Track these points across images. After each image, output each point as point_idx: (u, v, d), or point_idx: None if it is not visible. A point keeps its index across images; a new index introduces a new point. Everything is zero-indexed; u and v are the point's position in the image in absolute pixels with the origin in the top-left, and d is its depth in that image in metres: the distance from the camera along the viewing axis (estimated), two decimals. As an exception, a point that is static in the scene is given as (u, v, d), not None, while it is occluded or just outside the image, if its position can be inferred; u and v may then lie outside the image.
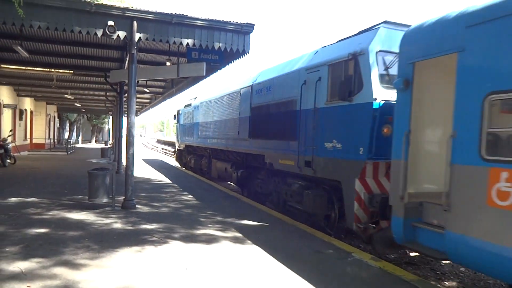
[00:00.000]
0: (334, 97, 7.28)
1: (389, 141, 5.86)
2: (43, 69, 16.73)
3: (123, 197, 8.94)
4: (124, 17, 8.48)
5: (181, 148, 22.19)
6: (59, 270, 4.81)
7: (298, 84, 8.36)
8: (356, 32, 7.58)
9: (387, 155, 6.02)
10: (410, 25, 5.82)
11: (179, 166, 22.23)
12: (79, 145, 47.56)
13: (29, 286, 4.31)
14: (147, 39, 8.76)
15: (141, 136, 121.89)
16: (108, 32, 8.26)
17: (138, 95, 25.16)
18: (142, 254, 5.60)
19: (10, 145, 17.65)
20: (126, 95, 19.89)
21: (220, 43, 9.26)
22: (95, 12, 8.26)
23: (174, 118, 24.84)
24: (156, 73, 11.40)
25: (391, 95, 6.26)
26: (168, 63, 11.92)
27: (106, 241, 6.13)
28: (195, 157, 18.63)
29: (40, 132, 32.58)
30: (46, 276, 4.63)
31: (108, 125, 55.06)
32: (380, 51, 6.67)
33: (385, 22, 6.96)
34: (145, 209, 8.85)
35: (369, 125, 6.39)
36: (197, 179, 15.46)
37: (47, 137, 34.04)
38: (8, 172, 15.03)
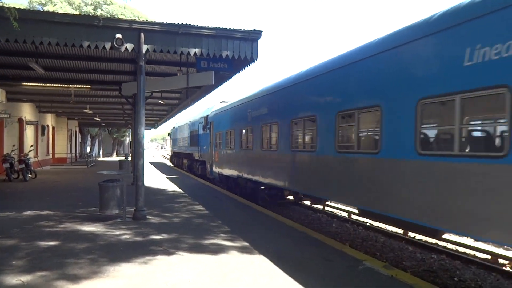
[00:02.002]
0: (204, 129, 20.39)
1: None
2: (61, 85, 17.10)
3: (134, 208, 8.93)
4: (131, 30, 8.56)
5: (171, 154, 39.70)
6: (60, 283, 4.77)
7: (200, 123, 21.85)
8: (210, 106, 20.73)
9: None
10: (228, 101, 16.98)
11: (172, 164, 36.28)
12: (100, 158, 48.45)
13: (29, 299, 4.28)
14: (154, 50, 8.81)
15: (162, 148, 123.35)
16: (116, 45, 8.34)
17: (155, 107, 25.49)
18: (147, 265, 5.52)
19: (31, 160, 18.04)
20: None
21: (228, 51, 9.23)
22: (103, 25, 8.37)
23: (168, 135, 44.62)
24: (166, 84, 11.46)
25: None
26: (179, 74, 11.95)
27: (113, 253, 6.08)
28: (176, 158, 34.43)
29: (61, 147, 33.35)
30: (47, 288, 4.60)
31: (128, 138, 56.00)
32: (213, 114, 18.29)
33: (222, 102, 17.68)
34: (156, 219, 8.81)
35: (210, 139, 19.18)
36: (210, 188, 15.40)
37: (68, 151, 34.79)
38: (28, 186, 15.34)
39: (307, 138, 9.18)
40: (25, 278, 4.93)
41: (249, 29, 9.23)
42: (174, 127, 34.24)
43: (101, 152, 52.47)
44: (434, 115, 5.83)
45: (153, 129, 44.88)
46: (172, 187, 15.83)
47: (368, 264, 5.73)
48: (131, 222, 8.48)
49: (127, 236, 7.18)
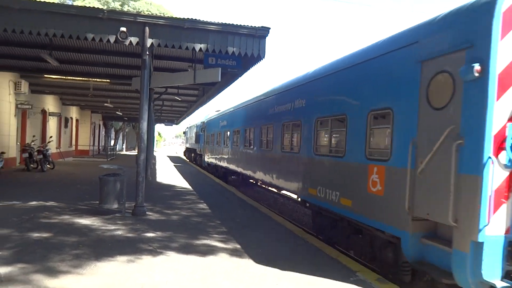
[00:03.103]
0: (202, 131, 26.52)
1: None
2: (80, 78, 17.41)
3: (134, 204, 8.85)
4: (136, 23, 8.46)
5: (185, 149, 45.87)
6: (37, 277, 4.67)
7: (200, 126, 27.94)
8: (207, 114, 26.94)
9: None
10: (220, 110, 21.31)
11: (185, 158, 42.65)
12: (123, 152, 49.30)
13: (-2, 293, 4.20)
14: (159, 44, 8.68)
15: (182, 143, 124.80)
16: (120, 38, 8.27)
17: (174, 104, 25.61)
18: (129, 264, 5.37)
19: (50, 151, 18.38)
20: (156, 102, 20.26)
21: (234, 48, 9.00)
22: (107, 18, 8.31)
23: (184, 134, 54.88)
24: (174, 80, 11.34)
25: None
26: (189, 70, 11.83)
27: (100, 249, 5.97)
28: (188, 152, 40.80)
29: (84, 139, 34.08)
30: (22, 282, 4.51)
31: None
32: (206, 120, 24.81)
33: (216, 111, 22.48)
34: (155, 216, 8.70)
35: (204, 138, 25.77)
36: (221, 187, 15.24)
37: (91, 144, 35.50)
38: (43, 176, 15.62)
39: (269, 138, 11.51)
40: (4, 270, 4.86)
41: (257, 26, 8.97)
42: (187, 127, 42.03)
43: (124, 146, 53.34)
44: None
45: (174, 125, 45.36)
46: (181, 182, 15.77)
47: (361, 276, 5.38)
48: (129, 217, 8.40)
49: (120, 232, 7.08)
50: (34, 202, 9.62)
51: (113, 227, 7.44)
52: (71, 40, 10.84)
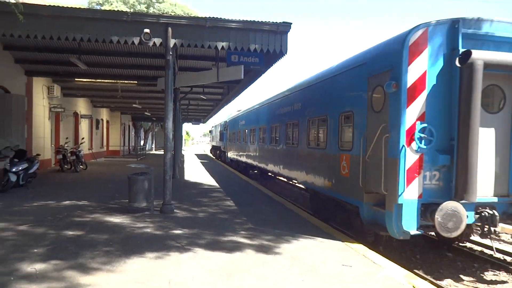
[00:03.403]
0: (225, 130, 29.52)
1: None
2: (109, 80, 17.87)
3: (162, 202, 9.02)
4: (159, 24, 8.59)
5: (211, 147, 49.02)
6: (70, 273, 4.85)
7: (223, 125, 30.84)
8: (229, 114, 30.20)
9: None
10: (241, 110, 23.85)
11: (211, 155, 45.47)
12: (153, 151, 50.29)
13: (34, 289, 4.38)
14: (182, 44, 8.79)
15: (210, 142, 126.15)
16: (144, 40, 8.41)
17: (200, 102, 25.88)
18: (156, 261, 5.49)
19: (82, 152, 19.00)
20: (182, 101, 20.53)
21: (256, 45, 9.00)
22: (131, 20, 8.48)
23: (209, 133, 60.02)
24: (197, 79, 11.46)
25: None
26: (213, 69, 11.92)
27: (129, 246, 6.13)
28: (214, 150, 43.62)
29: (115, 140, 35.00)
30: (55, 278, 4.68)
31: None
32: (228, 119, 27.80)
33: (237, 110, 24.55)
34: (183, 213, 8.84)
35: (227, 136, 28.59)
36: (246, 183, 15.29)
37: (121, 144, 36.41)
38: (77, 177, 16.17)
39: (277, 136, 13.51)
40: (39, 266, 5.07)
41: (278, 22, 8.92)
42: (212, 126, 45.43)
43: (153, 146, 54.42)
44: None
45: (201, 124, 45.89)
46: (208, 180, 15.93)
47: (388, 272, 5.28)
48: (158, 215, 8.57)
49: (148, 230, 7.24)
50: (67, 202, 9.97)
51: (142, 225, 7.62)
52: (98, 44, 11.13)
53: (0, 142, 12.83)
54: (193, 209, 9.38)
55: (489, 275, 6.88)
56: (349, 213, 7.93)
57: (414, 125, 6.04)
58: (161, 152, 49.15)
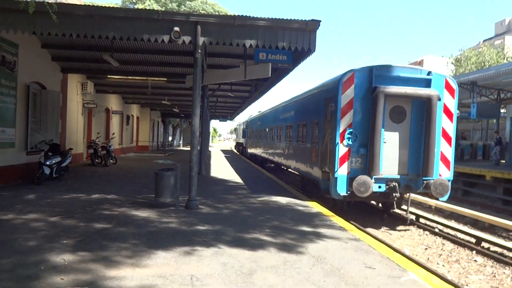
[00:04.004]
0: (246, 128, 35.28)
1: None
2: (140, 77, 18.25)
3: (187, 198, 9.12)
4: (188, 22, 8.66)
5: (235, 144, 56.13)
6: (95, 266, 4.96)
7: (245, 124, 36.67)
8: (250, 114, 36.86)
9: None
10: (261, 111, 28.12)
11: (235, 150, 49.67)
12: (181, 147, 51.02)
13: (62, 279, 4.51)
14: (210, 42, 8.83)
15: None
16: (173, 38, 8.52)
17: (228, 100, 26.03)
18: (180, 256, 5.54)
19: (112, 147, 19.51)
20: (210, 98, 20.69)
21: (284, 42, 8.93)
22: (162, 19, 8.59)
23: (234, 130, 70.90)
24: (225, 76, 11.51)
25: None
26: (241, 66, 11.94)
27: (154, 240, 6.23)
28: (237, 146, 49.35)
29: (144, 136, 35.74)
30: (82, 270, 4.81)
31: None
32: (249, 119, 34.24)
33: (258, 111, 29.74)
34: (207, 209, 8.91)
35: (248, 134, 34.58)
36: (273, 181, 15.25)
37: (150, 140, 37.15)
38: (107, 171, 16.61)
39: (286, 134, 17.05)
40: (67, 257, 5.23)
41: (307, 19, 8.82)
42: (237, 125, 52.76)
43: (181, 142, 55.24)
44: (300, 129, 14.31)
45: (229, 121, 46.27)
46: (233, 176, 15.99)
47: (413, 275, 5.13)
48: (183, 211, 8.68)
49: (173, 225, 7.33)
50: (97, 195, 10.26)
51: (167, 220, 7.72)
52: (130, 42, 11.37)
53: (36, 137, 13.34)
54: (218, 206, 9.44)
55: (401, 228, 10.67)
56: (317, 186, 11.44)
57: (345, 130, 9.65)
58: (189, 148, 49.86)
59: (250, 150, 31.81)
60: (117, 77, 17.91)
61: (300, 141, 13.88)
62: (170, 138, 50.23)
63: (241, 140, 42.30)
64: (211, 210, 8.91)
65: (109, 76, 18.13)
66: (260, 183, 14.52)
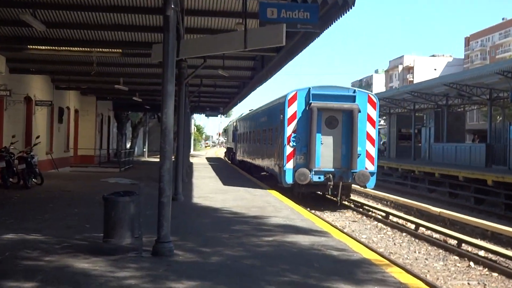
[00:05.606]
0: (236, 130, 49.21)
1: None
2: (80, 48, 18.32)
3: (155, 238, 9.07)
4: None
5: (226, 149, 72.42)
6: None
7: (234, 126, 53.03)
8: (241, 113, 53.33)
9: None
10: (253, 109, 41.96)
11: (227, 159, 60.80)
12: (145, 157, 51.25)
13: None
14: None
15: None
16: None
17: (218, 82, 26.12)
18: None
19: (36, 158, 19.55)
20: (191, 81, 20.70)
21: (307, -9, 8.93)
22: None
23: (224, 132, 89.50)
24: (213, 46, 11.46)
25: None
26: (238, 30, 11.98)
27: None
28: (228, 152, 63.68)
29: (88, 140, 35.84)
30: None
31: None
32: (236, 120, 52.21)
33: (250, 110, 42.66)
34: (186, 256, 8.89)
35: (237, 137, 48.92)
36: (291, 210, 15.24)
37: (97, 146, 37.23)
38: (27, 196, 16.68)
39: (264, 137, 28.79)
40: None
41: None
42: (228, 124, 65.37)
43: (145, 149, 55.40)
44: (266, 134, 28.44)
45: (220, 116, 46.40)
46: (226, 202, 15.92)
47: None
48: (148, 258, 8.64)
49: (132, 282, 7.27)
50: (10, 235, 10.27)
51: (122, 274, 7.67)
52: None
53: None
54: (204, 250, 9.42)
55: (342, 213, 20.90)
56: (275, 178, 23.27)
57: (290, 134, 20.54)
58: (157, 159, 49.95)
59: (238, 157, 43.69)
60: (44, 47, 18.05)
61: (268, 143, 26.28)
62: (128, 144, 50.42)
63: (231, 145, 53.33)
64: (192, 257, 8.89)
65: (30, 47, 18.22)
66: (266, 209, 15.32)
